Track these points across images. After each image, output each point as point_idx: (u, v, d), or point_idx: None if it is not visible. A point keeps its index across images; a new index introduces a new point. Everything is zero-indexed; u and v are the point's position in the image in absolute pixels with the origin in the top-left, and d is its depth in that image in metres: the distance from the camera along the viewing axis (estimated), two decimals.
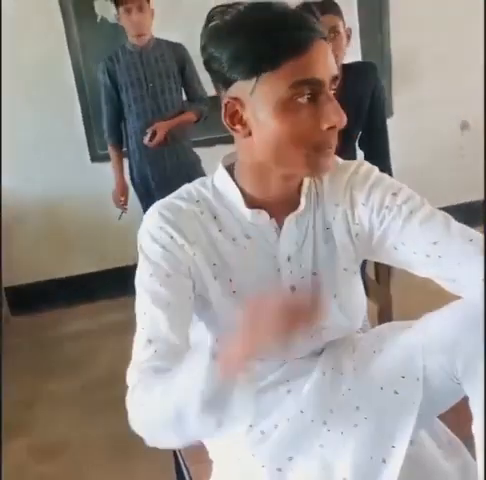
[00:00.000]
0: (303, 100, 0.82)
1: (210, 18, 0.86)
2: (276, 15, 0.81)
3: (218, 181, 0.98)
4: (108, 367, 2.50)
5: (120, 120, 2.68)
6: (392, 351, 0.92)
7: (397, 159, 2.24)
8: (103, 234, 3.24)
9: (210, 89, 2.72)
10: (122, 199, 2.74)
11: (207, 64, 0.87)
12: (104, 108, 2.67)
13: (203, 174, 2.63)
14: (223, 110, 0.87)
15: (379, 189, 0.95)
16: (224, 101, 0.87)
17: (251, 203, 0.95)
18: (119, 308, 2.85)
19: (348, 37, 1.99)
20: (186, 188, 1.00)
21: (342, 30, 1.93)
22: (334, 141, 0.87)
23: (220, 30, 0.84)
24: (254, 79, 0.82)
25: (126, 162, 2.78)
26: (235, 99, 0.85)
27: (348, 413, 0.94)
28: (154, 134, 2.57)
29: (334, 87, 0.86)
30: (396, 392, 0.89)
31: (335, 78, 0.85)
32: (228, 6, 0.85)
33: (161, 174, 2.68)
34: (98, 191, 3.18)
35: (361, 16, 3.16)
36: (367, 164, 1.00)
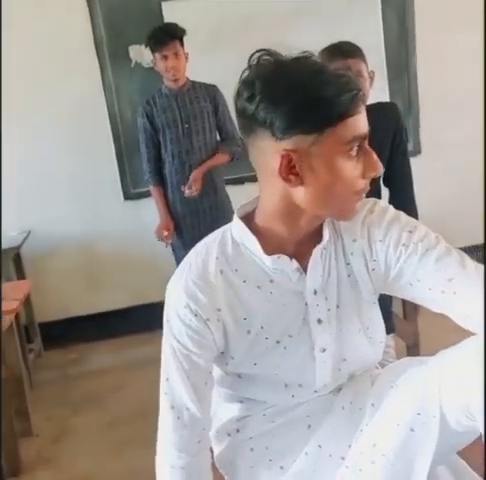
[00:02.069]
0: (353, 152, 0.88)
1: (255, 66, 0.90)
2: (336, 77, 0.86)
3: (236, 233, 1.00)
4: (134, 403, 2.51)
5: (160, 161, 2.76)
6: (408, 387, 0.92)
7: (423, 197, 2.25)
8: (133, 271, 3.30)
9: None
10: (166, 233, 2.77)
11: (254, 115, 0.87)
12: (145, 151, 2.75)
13: (231, 213, 2.68)
14: (278, 161, 0.88)
15: (396, 227, 0.97)
16: (277, 153, 0.87)
17: (270, 248, 0.96)
18: (145, 343, 2.89)
19: (371, 80, 2.03)
20: (206, 244, 1.02)
21: (365, 73, 1.98)
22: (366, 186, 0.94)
23: (275, 85, 0.86)
24: (315, 134, 0.86)
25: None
26: (292, 151, 0.87)
27: (366, 449, 0.94)
28: (191, 185, 2.67)
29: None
30: (412, 429, 0.89)
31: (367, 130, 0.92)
32: (269, 54, 0.90)
33: (192, 213, 2.75)
34: (130, 228, 3.28)
35: (388, 57, 3.23)
36: (381, 203, 1.03)
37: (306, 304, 0.99)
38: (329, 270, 0.99)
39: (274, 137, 0.87)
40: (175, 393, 0.99)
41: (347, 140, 0.86)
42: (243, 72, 0.91)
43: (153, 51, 2.64)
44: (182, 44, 2.63)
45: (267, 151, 0.89)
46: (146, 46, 2.70)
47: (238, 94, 0.90)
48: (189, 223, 2.75)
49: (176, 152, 2.71)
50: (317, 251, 0.97)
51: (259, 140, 0.90)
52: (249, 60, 0.91)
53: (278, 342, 0.99)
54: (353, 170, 0.89)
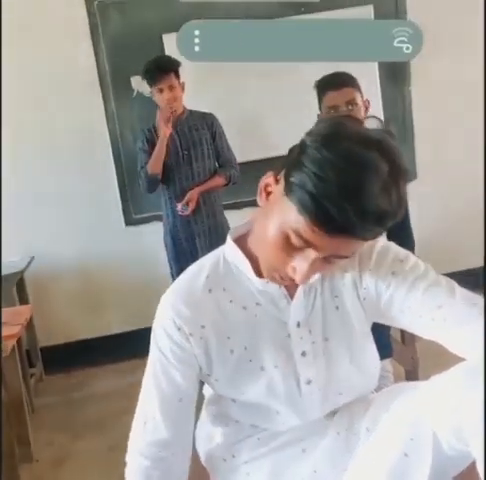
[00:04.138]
0: (295, 240, 0.85)
1: (337, 126, 0.85)
2: (347, 198, 0.78)
3: (228, 253, 1.03)
4: None
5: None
6: (401, 412, 0.94)
7: (419, 222, 2.29)
8: (134, 295, 3.32)
9: (239, 155, 2.90)
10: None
11: (303, 143, 0.85)
12: (142, 171, 2.76)
13: None
14: (266, 175, 0.92)
15: (385, 256, 1.00)
16: (274, 172, 0.91)
17: (260, 272, 0.98)
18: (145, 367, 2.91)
19: (366, 108, 2.09)
20: (200, 262, 1.05)
21: (360, 102, 2.03)
22: (290, 281, 0.92)
23: (328, 149, 0.80)
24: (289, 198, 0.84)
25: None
26: (276, 181, 0.89)
27: (360, 474, 0.95)
28: (187, 202, 2.73)
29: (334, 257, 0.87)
30: (406, 455, 0.90)
31: (338, 255, 0.87)
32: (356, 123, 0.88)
33: (192, 236, 2.80)
34: (131, 254, 3.31)
35: (382, 85, 3.29)
36: None
37: (289, 336, 1.01)
38: (313, 303, 1.01)
39: (286, 161, 0.87)
40: (147, 400, 1.03)
41: (292, 220, 0.83)
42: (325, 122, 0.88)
43: (150, 85, 2.71)
44: (177, 76, 2.69)
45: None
46: (143, 79, 2.77)
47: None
48: (188, 247, 2.80)
49: (176, 178, 2.76)
50: (301, 287, 0.99)
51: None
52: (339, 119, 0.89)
53: (262, 368, 1.00)
54: (281, 247, 0.87)
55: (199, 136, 2.77)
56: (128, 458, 1.06)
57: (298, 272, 0.88)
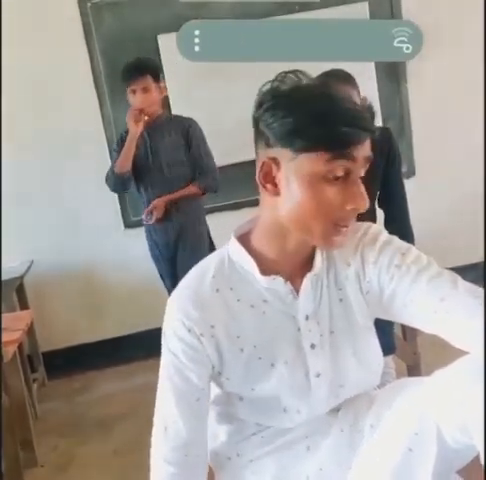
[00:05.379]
0: (334, 176, 0.89)
1: (278, 81, 0.92)
2: (345, 109, 0.87)
3: (232, 252, 1.03)
4: (139, 431, 2.51)
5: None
6: (405, 408, 0.94)
7: (418, 218, 2.29)
8: (135, 298, 3.32)
9: (220, 160, 2.78)
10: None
11: (256, 121, 0.93)
12: (110, 170, 2.71)
13: (209, 243, 2.62)
14: (259, 167, 0.93)
15: (388, 249, 1.00)
16: (262, 159, 0.93)
17: (266, 268, 0.99)
18: (149, 370, 2.90)
19: None
20: (205, 262, 1.05)
21: (357, 100, 2.03)
22: (352, 221, 0.94)
23: (285, 99, 0.90)
24: (296, 154, 0.89)
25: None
26: (273, 160, 0.91)
27: (365, 470, 0.95)
28: (151, 211, 2.65)
29: (364, 167, 0.93)
30: (410, 449, 0.90)
31: (367, 158, 0.91)
32: (296, 74, 0.92)
33: (167, 243, 2.72)
34: (131, 256, 3.31)
35: (379, 83, 3.29)
36: (375, 226, 1.06)
37: (299, 329, 1.01)
38: (320, 295, 1.02)
39: (265, 145, 0.92)
40: (165, 403, 1.02)
41: (326, 160, 0.88)
42: (264, 85, 0.94)
43: (126, 86, 2.60)
44: (156, 78, 2.60)
45: (259, 159, 0.94)
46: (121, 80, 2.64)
47: (255, 103, 0.94)
48: (167, 252, 2.72)
49: (149, 184, 2.69)
50: (308, 279, 1.00)
51: (257, 147, 0.95)
52: (276, 76, 0.94)
53: (273, 365, 1.00)
54: (331, 196, 0.89)
55: (172, 142, 2.65)
56: (153, 466, 1.05)
57: (358, 195, 0.90)
